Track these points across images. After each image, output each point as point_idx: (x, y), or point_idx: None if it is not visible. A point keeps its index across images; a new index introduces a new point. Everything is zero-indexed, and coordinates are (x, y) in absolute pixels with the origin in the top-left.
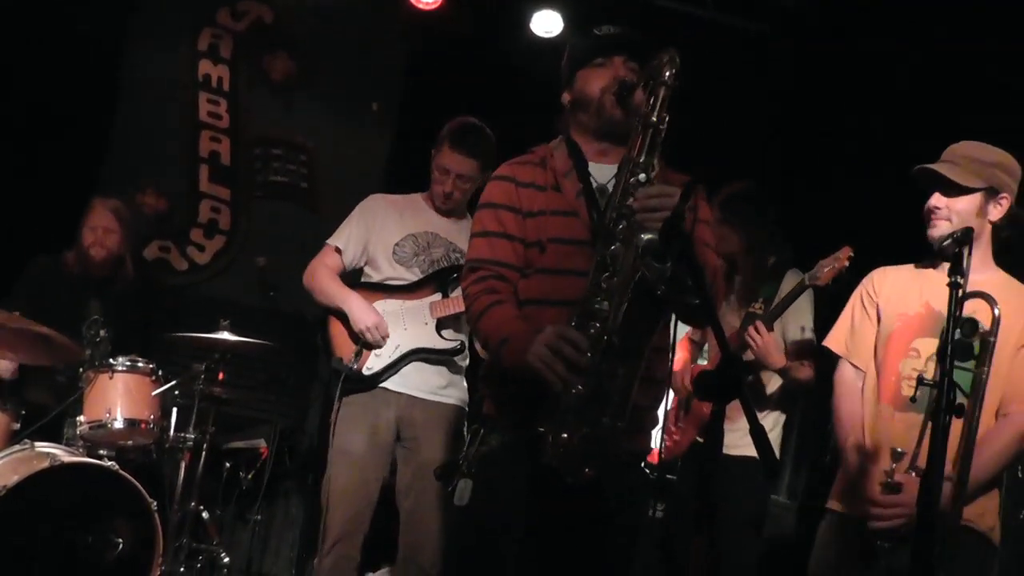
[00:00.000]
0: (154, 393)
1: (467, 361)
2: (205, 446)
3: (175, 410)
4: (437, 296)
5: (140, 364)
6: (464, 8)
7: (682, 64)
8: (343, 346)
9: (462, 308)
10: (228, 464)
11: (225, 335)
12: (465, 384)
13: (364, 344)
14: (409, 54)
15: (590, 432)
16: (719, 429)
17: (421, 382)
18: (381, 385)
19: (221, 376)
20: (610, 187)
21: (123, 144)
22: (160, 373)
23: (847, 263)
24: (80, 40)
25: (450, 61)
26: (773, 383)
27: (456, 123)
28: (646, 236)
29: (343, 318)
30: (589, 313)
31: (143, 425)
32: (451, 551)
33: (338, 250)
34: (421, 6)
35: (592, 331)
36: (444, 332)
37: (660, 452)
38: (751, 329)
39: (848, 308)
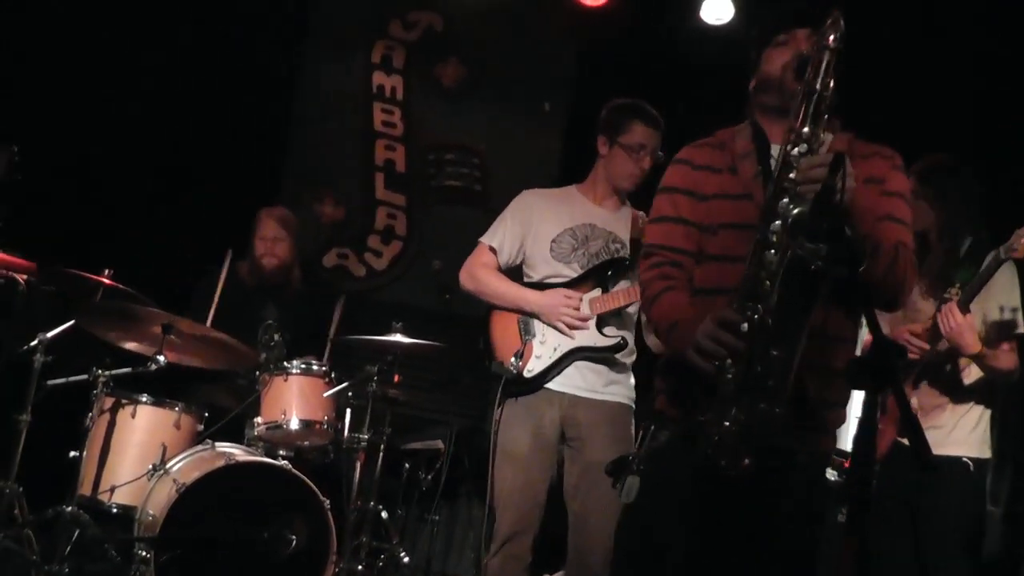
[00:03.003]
0: (325, 394)
1: (633, 357)
2: (382, 447)
3: (348, 411)
4: (596, 292)
5: (314, 367)
6: (630, 2)
7: (846, 27)
8: (503, 349)
9: (622, 303)
10: (407, 465)
11: (398, 337)
12: (632, 381)
13: (522, 348)
14: (577, 53)
15: (747, 419)
16: (873, 420)
17: (582, 381)
18: (544, 386)
19: (397, 378)
20: None
21: (301, 156)
22: (333, 375)
23: None
24: (259, 59)
25: (619, 57)
26: (973, 373)
27: (627, 102)
28: (796, 210)
29: (503, 320)
30: (750, 294)
31: (317, 426)
32: (617, 550)
33: (493, 249)
34: (587, 3)
35: (752, 313)
36: (605, 329)
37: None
38: (942, 311)
39: None
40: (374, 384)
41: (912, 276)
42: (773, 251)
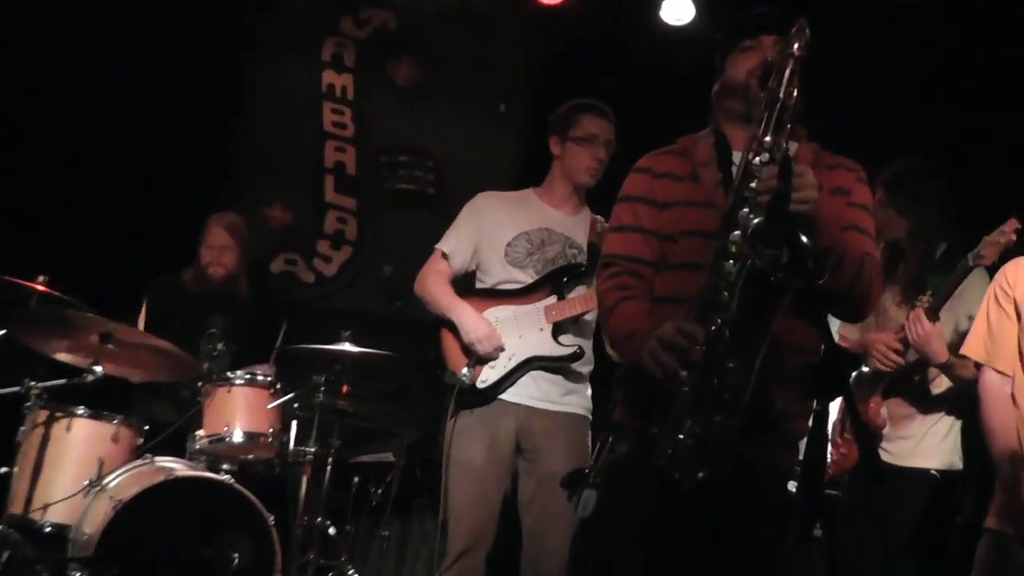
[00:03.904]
0: (271, 406)
1: (590, 367)
2: (330, 460)
3: (295, 423)
4: (552, 299)
5: (259, 377)
6: (588, 1)
7: (812, 36)
8: (456, 359)
9: (579, 310)
10: (357, 478)
11: (347, 346)
12: (589, 391)
13: (476, 357)
14: (534, 52)
15: (702, 432)
16: (823, 431)
17: (538, 391)
18: (499, 397)
19: (345, 389)
20: None
21: (247, 158)
22: (279, 386)
23: (1015, 237)
24: (202, 55)
25: (577, 57)
26: (943, 383)
27: (574, 101)
28: (755, 220)
29: (455, 329)
30: (708, 304)
31: (262, 438)
32: (572, 566)
33: (446, 255)
34: (545, 1)
35: (709, 323)
36: (562, 337)
37: (827, 467)
38: (910, 318)
39: (983, 309)
40: (321, 395)
41: (878, 288)
42: (732, 261)
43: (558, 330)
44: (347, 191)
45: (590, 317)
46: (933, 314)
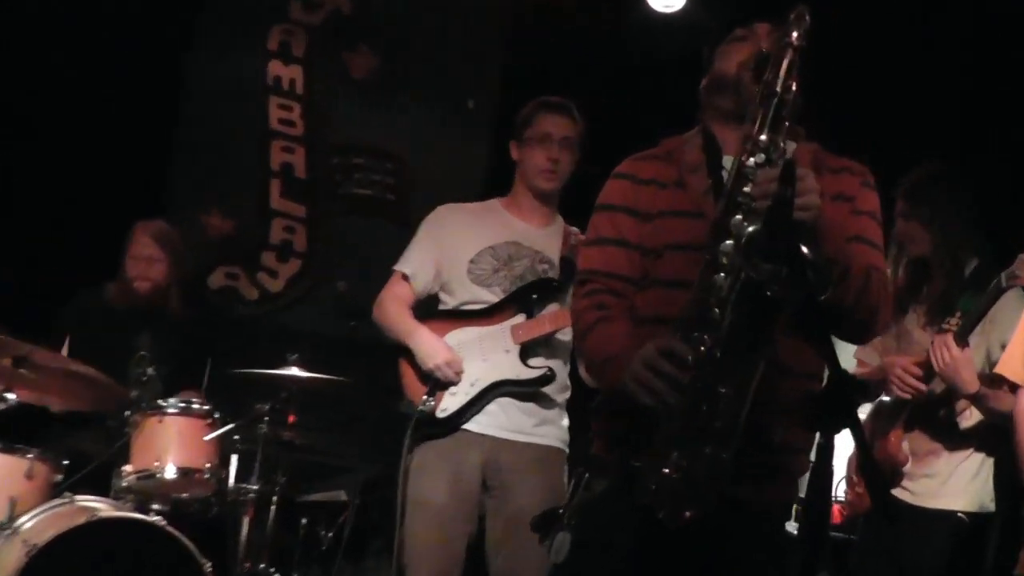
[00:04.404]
0: (207, 438)
1: (567, 394)
2: (275, 498)
3: (235, 457)
4: (520, 317)
5: (194, 405)
6: None
7: (812, 24)
8: (415, 387)
9: (549, 329)
10: (305, 520)
11: (294, 371)
12: (565, 421)
13: (436, 384)
14: (509, 41)
15: (689, 466)
16: (827, 467)
17: (508, 421)
18: (463, 427)
19: (292, 419)
20: None
21: (185, 160)
22: (217, 416)
23: None
24: (134, 44)
25: (555, 48)
26: (973, 416)
27: (536, 99)
28: (750, 228)
29: (412, 355)
30: (697, 322)
31: (198, 474)
32: None
33: (406, 277)
34: None
35: (698, 344)
36: (531, 360)
37: (841, 508)
38: (935, 343)
39: (1021, 326)
40: (265, 425)
41: (887, 304)
42: (724, 274)
43: (527, 352)
44: (295, 196)
45: (565, 337)
46: (962, 339)
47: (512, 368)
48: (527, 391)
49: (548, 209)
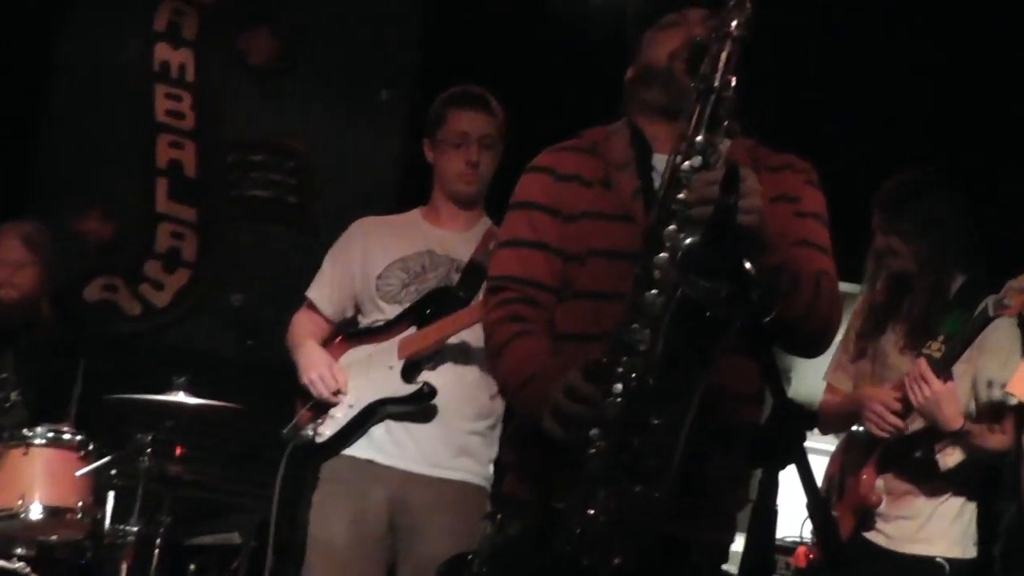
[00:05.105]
0: (80, 472)
1: (490, 420)
2: (158, 542)
3: (112, 495)
4: (412, 330)
5: (65, 436)
6: None
7: (754, 12)
8: (307, 411)
9: (432, 340)
10: (193, 566)
11: (181, 396)
12: (492, 453)
13: (319, 406)
14: (424, 28)
15: (618, 506)
16: (769, 506)
17: (418, 452)
18: (368, 458)
19: (179, 450)
20: None
21: (55, 155)
22: (91, 447)
23: None
24: (2, 23)
25: (479, 33)
26: (955, 455)
27: (446, 92)
28: (687, 240)
29: None
30: (626, 345)
31: (69, 514)
32: None
33: (312, 304)
34: None
35: (628, 370)
36: (421, 375)
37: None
38: (911, 372)
39: None
40: (148, 458)
41: (838, 313)
42: (656, 291)
43: (416, 368)
44: (185, 198)
45: (476, 346)
46: (944, 369)
47: (391, 386)
48: (408, 409)
49: (471, 212)
